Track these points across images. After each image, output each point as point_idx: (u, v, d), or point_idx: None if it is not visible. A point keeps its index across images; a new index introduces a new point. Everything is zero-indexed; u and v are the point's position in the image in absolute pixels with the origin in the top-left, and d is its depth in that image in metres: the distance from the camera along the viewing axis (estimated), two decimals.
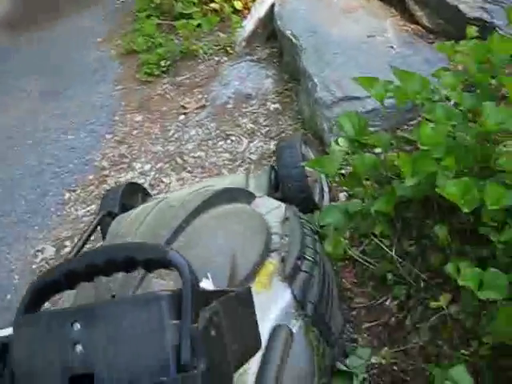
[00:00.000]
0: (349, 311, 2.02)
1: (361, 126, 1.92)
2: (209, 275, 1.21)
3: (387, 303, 1.99)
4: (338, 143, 1.87)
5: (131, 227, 1.73)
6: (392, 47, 2.93)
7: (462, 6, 2.81)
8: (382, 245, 1.96)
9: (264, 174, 2.30)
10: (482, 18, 2.66)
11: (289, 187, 2.17)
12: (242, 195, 1.86)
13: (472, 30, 1.99)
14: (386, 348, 1.84)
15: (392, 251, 1.93)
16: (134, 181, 2.95)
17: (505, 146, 1.71)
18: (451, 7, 2.88)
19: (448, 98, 1.83)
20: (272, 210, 1.79)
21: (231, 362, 0.91)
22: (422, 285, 1.89)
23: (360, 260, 2.07)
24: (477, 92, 1.74)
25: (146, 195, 2.59)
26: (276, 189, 2.26)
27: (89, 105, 4.02)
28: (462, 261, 1.52)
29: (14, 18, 6.10)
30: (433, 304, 1.70)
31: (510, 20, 1.89)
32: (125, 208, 2.27)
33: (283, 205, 1.80)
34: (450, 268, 1.52)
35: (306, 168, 2.20)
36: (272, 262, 1.53)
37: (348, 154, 1.92)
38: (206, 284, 1.07)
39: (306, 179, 2.18)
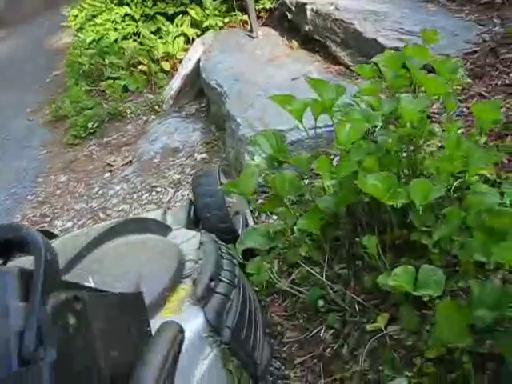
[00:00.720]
0: (280, 347, 1.84)
1: (279, 144, 1.82)
2: (90, 279, 1.06)
3: (321, 334, 1.81)
4: (253, 160, 1.75)
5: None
6: (308, 77, 2.90)
7: (380, 39, 2.85)
8: (311, 271, 1.81)
9: (182, 208, 2.18)
10: (400, 46, 2.67)
11: (207, 217, 2.03)
12: (156, 227, 1.73)
13: (389, 51, 1.96)
14: (321, 381, 1.66)
15: (322, 276, 1.78)
16: (46, 229, 2.76)
17: (428, 145, 1.63)
18: (370, 41, 2.91)
19: (368, 106, 1.75)
20: (188, 239, 1.66)
21: (105, 366, 0.76)
22: (357, 308, 1.73)
23: (289, 291, 1.91)
24: (395, 96, 1.67)
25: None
26: (196, 223, 2.12)
27: (12, 170, 3.86)
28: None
29: None
30: (370, 327, 1.56)
31: (426, 41, 1.87)
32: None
33: (199, 233, 1.67)
34: (382, 279, 1.39)
35: (228, 199, 2.09)
36: (184, 288, 1.40)
37: (267, 174, 1.81)
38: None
39: (225, 209, 2.05)
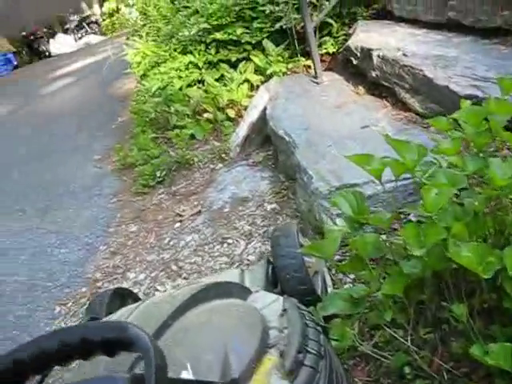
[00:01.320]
0: None
1: (359, 204, 1.79)
2: (188, 366, 1.05)
3: None
4: (335, 223, 1.73)
5: None
6: (387, 135, 2.87)
7: (452, 86, 2.79)
8: (395, 335, 1.76)
9: (260, 267, 2.16)
10: (474, 94, 2.62)
11: (287, 279, 2.00)
12: (235, 290, 1.71)
13: (466, 103, 1.92)
14: None
15: (407, 341, 1.73)
16: (121, 286, 2.78)
17: None
18: (442, 88, 2.86)
19: (450, 166, 1.71)
20: (269, 304, 1.63)
21: None
22: (445, 376, 1.67)
23: (372, 355, 1.86)
24: (479, 155, 1.63)
25: (136, 300, 2.43)
26: (274, 284, 2.10)
27: (83, 219, 3.95)
28: (488, 343, 1.33)
29: None
30: None
31: (504, 90, 1.82)
32: (111, 314, 2.12)
33: (281, 297, 1.65)
34: (475, 350, 1.33)
35: (306, 259, 2.06)
36: (270, 359, 1.36)
37: (348, 234, 1.78)
38: (186, 376, 0.91)
39: (305, 270, 2.02)
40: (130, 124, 5.46)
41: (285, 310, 1.54)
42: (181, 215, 3.49)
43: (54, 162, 5.51)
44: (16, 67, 17.41)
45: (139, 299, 2.48)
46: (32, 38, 18.27)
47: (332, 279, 2.30)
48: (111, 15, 19.45)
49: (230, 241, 3.04)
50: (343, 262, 2.04)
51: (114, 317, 1.75)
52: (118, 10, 19.23)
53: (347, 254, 2.34)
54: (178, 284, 2.87)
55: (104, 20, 19.66)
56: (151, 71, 5.64)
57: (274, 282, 2.10)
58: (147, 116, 4.81)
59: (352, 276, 2.25)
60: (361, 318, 2.04)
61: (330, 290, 2.24)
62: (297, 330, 1.45)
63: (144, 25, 6.95)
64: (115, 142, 5.21)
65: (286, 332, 1.43)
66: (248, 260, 2.82)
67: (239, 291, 1.71)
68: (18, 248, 3.94)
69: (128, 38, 7.42)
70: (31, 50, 18.77)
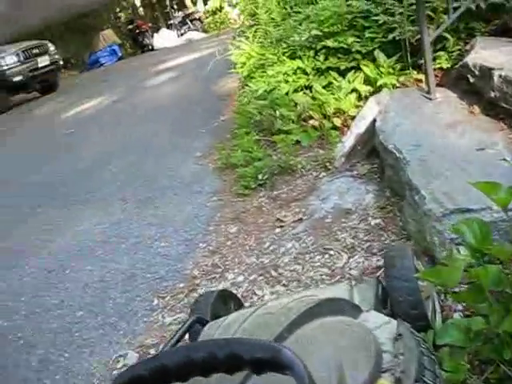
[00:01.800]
0: None
1: (483, 234, 1.73)
2: None
3: None
4: (459, 252, 1.68)
5: (226, 333, 1.61)
6: (505, 159, 2.76)
7: None
8: (511, 374, 1.69)
9: (370, 286, 2.12)
10: None
11: (399, 302, 1.96)
12: (347, 307, 1.69)
13: None
14: None
15: None
16: (225, 289, 2.81)
17: None
18: None
19: None
20: (381, 325, 1.60)
21: None
22: None
23: None
24: None
25: (238, 304, 2.46)
26: (383, 305, 2.06)
27: (184, 214, 4.03)
28: None
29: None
30: None
31: None
32: (216, 315, 2.15)
33: (394, 320, 1.61)
34: None
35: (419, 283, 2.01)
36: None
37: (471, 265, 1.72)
38: None
39: (419, 294, 1.97)
40: (231, 123, 5.53)
41: (400, 335, 1.51)
42: (282, 221, 3.49)
43: (155, 155, 5.67)
44: (120, 58, 18.08)
45: (241, 304, 2.50)
46: (137, 31, 18.89)
47: (440, 304, 2.24)
48: (214, 13, 19.84)
49: (331, 252, 3.01)
50: (460, 291, 1.98)
51: (226, 320, 1.77)
52: (221, 9, 19.59)
53: (461, 282, 2.26)
54: (276, 290, 2.87)
55: (207, 18, 20.05)
56: (256, 73, 5.69)
57: (383, 303, 2.06)
58: (251, 118, 4.85)
59: (462, 304, 2.19)
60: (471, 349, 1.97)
61: (438, 316, 2.17)
62: (413, 358, 1.41)
63: (251, 26, 7.02)
64: (217, 141, 5.29)
65: (402, 358, 1.40)
66: (350, 274, 2.78)
67: (351, 309, 1.69)
68: (118, 236, 4.07)
69: (234, 38, 7.53)
70: (135, 42, 19.43)
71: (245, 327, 1.59)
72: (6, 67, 12.51)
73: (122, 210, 4.52)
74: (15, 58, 12.66)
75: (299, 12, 5.46)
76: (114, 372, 2.75)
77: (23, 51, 12.88)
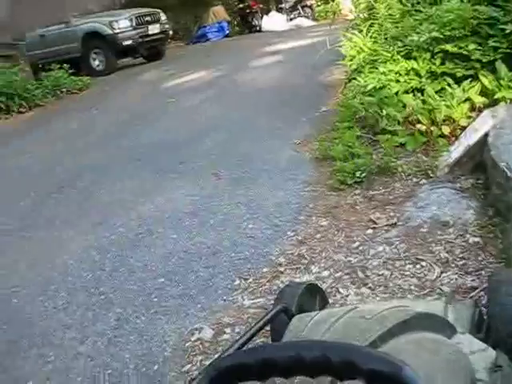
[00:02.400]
0: None
1: None
2: None
3: None
4: None
5: (316, 330, 1.57)
6: None
7: None
8: None
9: (466, 308, 2.02)
10: None
11: (499, 330, 1.85)
12: (442, 326, 1.62)
13: None
14: None
15: None
16: (313, 282, 2.76)
17: None
18: None
19: None
20: (477, 351, 1.52)
21: None
22: None
23: None
24: None
25: (324, 301, 2.41)
26: (478, 330, 1.96)
27: (275, 199, 4.01)
28: None
29: None
30: None
31: None
32: (301, 308, 2.11)
33: (491, 349, 1.53)
34: None
35: None
36: None
37: None
38: None
39: None
40: (333, 115, 5.45)
41: (499, 366, 1.43)
42: (375, 222, 3.40)
43: (252, 136, 5.68)
44: (227, 36, 18.22)
45: (327, 301, 2.45)
46: (248, 11, 18.96)
47: None
48: (326, 2, 19.62)
49: (423, 263, 2.91)
50: None
51: (317, 316, 1.73)
52: None
53: None
54: (362, 292, 2.80)
55: (318, 6, 19.87)
56: (366, 68, 5.56)
57: (478, 328, 1.96)
58: (356, 113, 4.76)
59: None
60: None
61: None
62: None
63: (366, 20, 6.87)
64: (316, 131, 5.23)
65: None
66: (441, 290, 2.67)
67: (446, 328, 1.62)
68: (208, 211, 4.11)
69: (347, 30, 7.40)
70: (244, 22, 19.52)
71: (337, 328, 1.55)
72: (118, 30, 12.95)
73: (214, 186, 4.55)
74: (128, 23, 13.07)
75: (420, 11, 5.28)
76: (187, 344, 2.78)
77: (136, 17, 13.29)
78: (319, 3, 19.94)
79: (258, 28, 18.54)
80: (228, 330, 2.79)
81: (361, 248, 3.19)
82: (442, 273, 2.80)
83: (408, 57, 4.96)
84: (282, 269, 3.17)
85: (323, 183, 4.10)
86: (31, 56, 12.51)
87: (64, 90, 11.01)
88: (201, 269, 3.38)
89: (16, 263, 4.03)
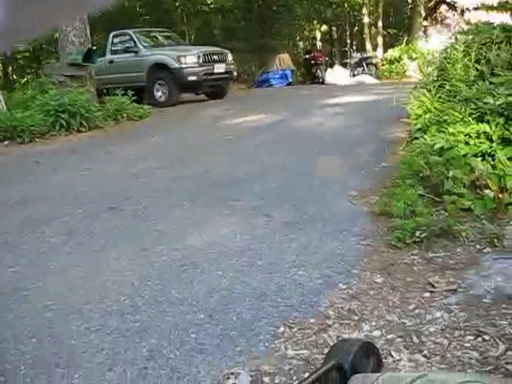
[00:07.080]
0: None
1: None
2: None
3: None
4: None
5: None
6: None
7: None
8: None
9: None
10: None
11: None
12: None
13: None
14: None
15: None
16: (370, 341, 2.57)
17: None
18: None
19: None
20: None
21: None
22: None
23: None
24: None
25: (378, 362, 2.21)
26: None
27: (328, 249, 3.85)
28: None
29: None
30: None
31: None
32: (355, 368, 1.93)
33: None
34: None
35: None
36: None
37: None
38: None
39: None
40: (393, 171, 5.29)
41: None
42: (433, 286, 3.20)
43: (309, 183, 5.55)
44: (289, 84, 18.40)
45: (381, 363, 2.26)
46: (313, 62, 19.16)
47: None
48: (391, 62, 19.70)
49: (486, 337, 2.68)
50: None
51: (378, 380, 1.56)
52: (399, 60, 19.42)
53: None
54: (416, 359, 2.58)
55: (383, 65, 19.96)
56: (432, 128, 5.43)
57: None
58: (419, 171, 4.59)
59: None
60: None
61: None
62: None
63: (435, 81, 6.77)
64: (375, 186, 5.08)
65: None
66: (505, 369, 2.44)
67: None
68: (256, 252, 3.96)
69: (415, 88, 7.31)
70: (308, 72, 19.72)
71: None
72: (184, 65, 13.18)
73: (265, 227, 4.42)
74: (195, 59, 13.30)
75: (499, 75, 5.14)
76: None
77: (204, 55, 13.52)
78: (384, 62, 20.05)
79: (320, 80, 18.68)
80: (267, 380, 2.61)
81: (417, 311, 2.98)
82: (507, 350, 2.57)
83: (480, 120, 4.81)
84: (330, 322, 2.98)
85: (379, 239, 3.92)
86: (98, 80, 12.82)
87: (125, 115, 11.18)
88: (244, 310, 3.22)
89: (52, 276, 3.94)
